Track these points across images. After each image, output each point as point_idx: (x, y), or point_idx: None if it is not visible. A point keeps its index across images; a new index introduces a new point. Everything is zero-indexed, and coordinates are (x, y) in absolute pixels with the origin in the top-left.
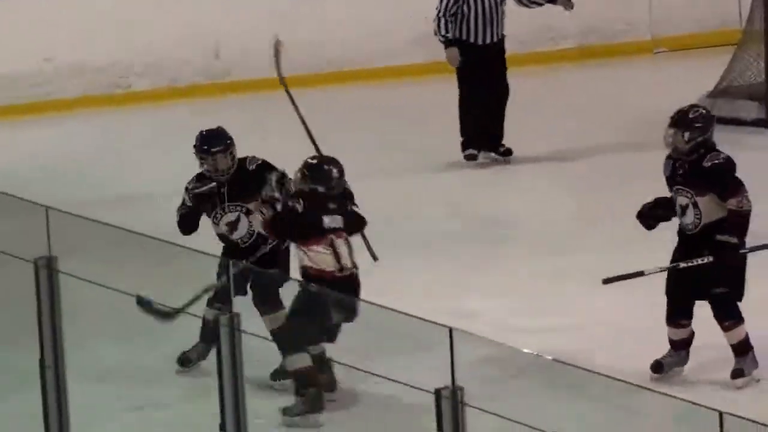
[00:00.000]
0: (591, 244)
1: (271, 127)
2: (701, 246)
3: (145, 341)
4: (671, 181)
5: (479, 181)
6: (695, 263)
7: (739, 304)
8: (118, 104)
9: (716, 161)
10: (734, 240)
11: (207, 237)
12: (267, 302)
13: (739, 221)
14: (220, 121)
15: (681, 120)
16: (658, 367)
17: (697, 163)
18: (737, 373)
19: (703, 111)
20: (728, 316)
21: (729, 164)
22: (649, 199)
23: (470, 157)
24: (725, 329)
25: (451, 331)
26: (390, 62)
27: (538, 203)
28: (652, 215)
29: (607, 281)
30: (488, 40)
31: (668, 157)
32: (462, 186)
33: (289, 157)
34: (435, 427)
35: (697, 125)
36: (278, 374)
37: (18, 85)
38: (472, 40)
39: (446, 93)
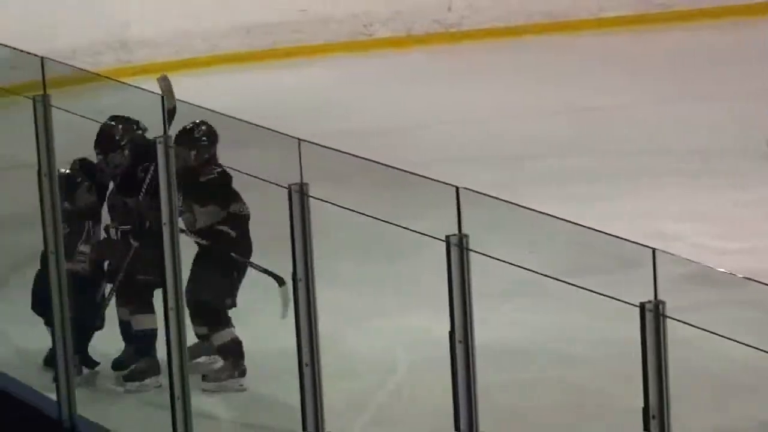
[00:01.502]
0: None
1: (488, 75)
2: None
3: (382, 257)
4: None
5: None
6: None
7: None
8: (361, 50)
9: (210, 176)
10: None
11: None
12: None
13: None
14: (448, 66)
15: (183, 138)
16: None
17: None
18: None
19: (205, 128)
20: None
21: (224, 178)
22: None
23: None
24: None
25: (654, 251)
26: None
27: (733, 138)
28: None
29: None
30: None
31: None
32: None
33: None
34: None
35: (202, 143)
36: (120, 365)
37: (276, 33)
38: None
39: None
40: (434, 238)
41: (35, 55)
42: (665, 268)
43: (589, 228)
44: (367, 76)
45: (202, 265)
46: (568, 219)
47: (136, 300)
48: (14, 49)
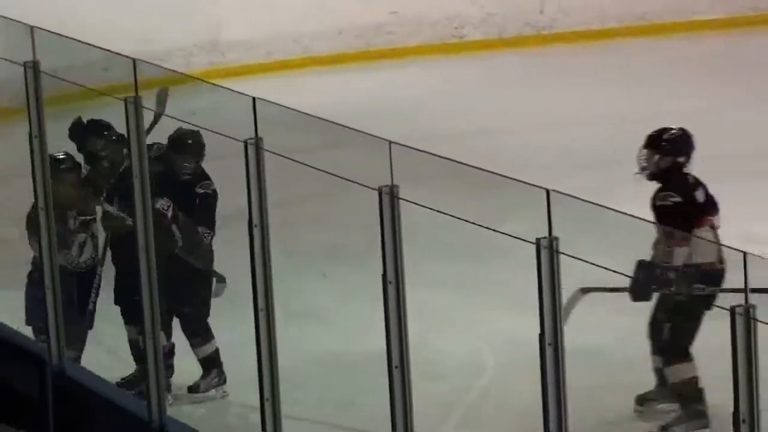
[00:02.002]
0: None
1: (579, 78)
2: None
3: (469, 259)
4: None
5: None
6: None
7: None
8: (453, 52)
9: (206, 191)
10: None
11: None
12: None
13: None
14: (539, 68)
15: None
16: None
17: None
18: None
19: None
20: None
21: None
22: None
23: None
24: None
25: (745, 255)
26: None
27: None
28: None
29: None
30: None
31: None
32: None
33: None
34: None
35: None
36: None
37: (368, 35)
38: None
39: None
40: (524, 240)
41: (127, 57)
42: (757, 272)
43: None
44: (459, 79)
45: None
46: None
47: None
48: (107, 50)
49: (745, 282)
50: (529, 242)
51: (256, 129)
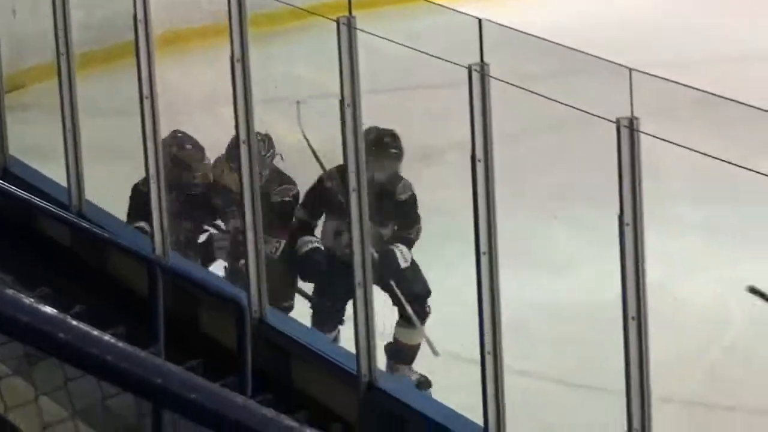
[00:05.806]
0: None
1: None
2: None
3: (722, 201)
4: None
5: None
6: None
7: None
8: None
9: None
10: None
11: None
12: None
13: None
14: None
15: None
16: None
17: None
18: None
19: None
20: None
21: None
22: None
23: None
24: None
25: None
26: None
27: None
28: None
29: None
30: None
31: None
32: None
33: None
34: None
35: None
36: None
37: None
38: None
39: None
40: None
41: None
42: None
43: None
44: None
45: None
46: None
47: None
48: None
49: None
50: None
51: (482, 53)
